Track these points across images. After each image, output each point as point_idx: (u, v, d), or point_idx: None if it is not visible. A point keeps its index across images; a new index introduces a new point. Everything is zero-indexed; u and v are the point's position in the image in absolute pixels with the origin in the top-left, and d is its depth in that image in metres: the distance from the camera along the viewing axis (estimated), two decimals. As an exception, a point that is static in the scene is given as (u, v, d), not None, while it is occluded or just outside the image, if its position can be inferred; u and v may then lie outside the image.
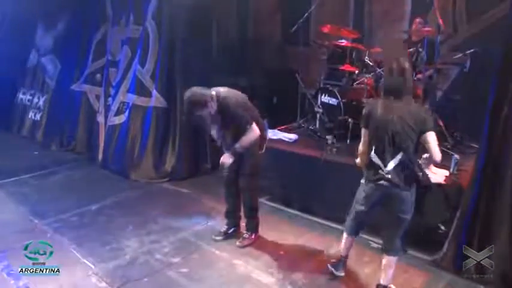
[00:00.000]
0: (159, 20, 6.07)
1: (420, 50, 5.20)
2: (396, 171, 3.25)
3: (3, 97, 8.21)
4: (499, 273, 3.76)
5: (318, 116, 5.72)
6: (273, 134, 5.68)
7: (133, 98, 6.22)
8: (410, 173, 3.27)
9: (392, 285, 3.59)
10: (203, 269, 4.07)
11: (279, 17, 8.03)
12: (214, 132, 4.13)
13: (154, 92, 6.03)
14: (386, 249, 3.50)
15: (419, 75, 5.13)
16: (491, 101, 3.77)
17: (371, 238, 4.47)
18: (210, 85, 4.08)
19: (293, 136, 5.65)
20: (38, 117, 8.02)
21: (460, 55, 4.89)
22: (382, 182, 3.30)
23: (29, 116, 8.18)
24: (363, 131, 3.48)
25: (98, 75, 7.15)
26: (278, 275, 3.98)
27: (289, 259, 4.25)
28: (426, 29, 5.25)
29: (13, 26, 7.92)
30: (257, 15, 8.12)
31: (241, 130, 3.96)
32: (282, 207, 5.33)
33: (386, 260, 3.50)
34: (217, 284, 3.85)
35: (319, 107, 5.66)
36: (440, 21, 4.82)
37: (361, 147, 3.53)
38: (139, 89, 6.18)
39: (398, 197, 3.29)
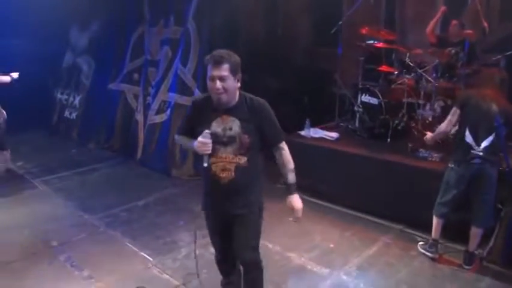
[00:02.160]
0: (199, 20, 6.21)
1: (459, 51, 5.32)
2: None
3: (42, 96, 8.36)
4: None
5: (357, 115, 5.84)
6: (314, 132, 5.82)
7: (175, 97, 6.37)
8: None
9: (476, 251, 4.10)
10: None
11: (310, 18, 8.15)
12: (206, 133, 2.66)
13: (197, 91, 6.17)
14: (474, 222, 4.00)
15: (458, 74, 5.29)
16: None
17: (417, 233, 4.64)
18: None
19: (334, 134, 5.77)
20: (73, 116, 8.19)
21: (499, 56, 5.01)
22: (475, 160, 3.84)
23: (65, 115, 8.35)
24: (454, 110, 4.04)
25: (136, 75, 7.30)
26: (332, 266, 4.13)
27: (339, 252, 4.39)
28: (467, 31, 5.36)
29: (48, 26, 8.07)
30: (287, 16, 8.24)
31: (257, 147, 2.79)
32: (325, 203, 5.44)
33: (473, 230, 4.00)
34: (276, 274, 3.97)
35: (359, 106, 5.79)
36: (486, 24, 4.95)
37: (445, 125, 4.13)
38: (181, 87, 6.33)
39: (488, 173, 3.84)
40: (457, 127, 4.07)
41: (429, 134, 4.40)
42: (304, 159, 5.46)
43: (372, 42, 6.22)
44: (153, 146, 6.62)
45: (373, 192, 5.02)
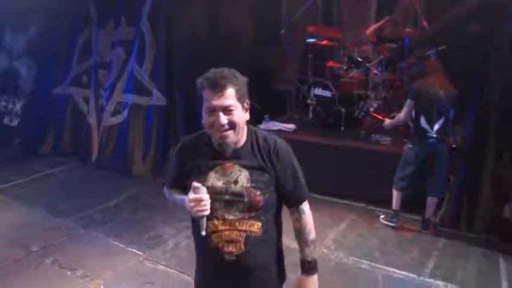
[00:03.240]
0: (154, 20, 6.33)
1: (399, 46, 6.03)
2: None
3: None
4: (486, 224, 4.63)
5: (311, 107, 6.34)
6: (272, 125, 6.22)
7: (132, 98, 6.44)
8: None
9: (431, 218, 4.73)
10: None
11: (251, 17, 8.49)
12: (199, 187, 1.88)
13: (155, 91, 6.30)
14: (430, 193, 4.65)
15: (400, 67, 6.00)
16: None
17: (377, 208, 5.22)
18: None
19: (292, 126, 6.22)
20: (15, 122, 7.85)
21: (432, 51, 5.74)
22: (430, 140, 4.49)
23: (4, 122, 7.97)
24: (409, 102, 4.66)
25: (85, 77, 7.21)
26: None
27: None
28: (407, 30, 6.06)
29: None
30: (229, 16, 8.51)
31: (274, 206, 2.06)
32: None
33: (429, 200, 4.66)
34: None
35: (312, 99, 6.28)
36: (425, 22, 5.67)
37: (403, 115, 4.76)
38: (138, 88, 6.41)
39: (441, 150, 4.49)
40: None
41: (388, 121, 5.03)
42: None
43: (313, 40, 6.77)
44: (111, 148, 6.63)
45: (334, 176, 5.51)
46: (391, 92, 6.08)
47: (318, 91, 6.19)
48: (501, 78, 4.60)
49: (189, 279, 3.89)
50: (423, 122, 4.51)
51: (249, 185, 1.95)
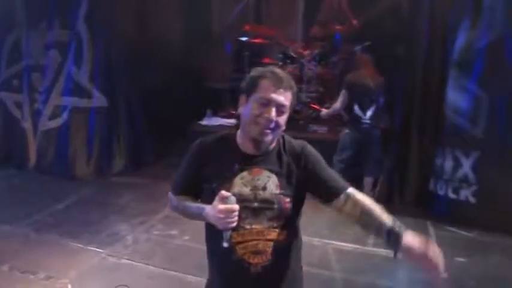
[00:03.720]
0: (91, 22, 6.33)
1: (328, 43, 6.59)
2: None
3: None
4: (415, 197, 5.29)
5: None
6: (215, 121, 6.50)
7: (71, 101, 6.38)
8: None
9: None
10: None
11: (182, 17, 8.65)
12: (229, 197, 1.73)
13: (96, 93, 6.31)
14: (366, 173, 5.26)
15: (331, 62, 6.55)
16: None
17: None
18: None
19: (233, 121, 6.52)
20: None
21: (359, 46, 6.34)
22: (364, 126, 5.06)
23: None
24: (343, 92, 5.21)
25: (16, 81, 6.98)
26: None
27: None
28: (337, 27, 6.60)
29: None
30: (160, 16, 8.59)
31: (298, 213, 1.97)
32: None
33: (366, 180, 5.26)
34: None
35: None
36: (354, 21, 6.25)
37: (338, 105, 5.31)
38: (77, 90, 6.37)
39: (374, 134, 5.04)
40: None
41: (324, 111, 5.52)
42: None
43: (246, 38, 7.14)
44: (51, 152, 6.52)
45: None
46: (324, 85, 6.59)
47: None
48: (420, 68, 5.25)
49: (155, 270, 4.15)
50: (357, 109, 5.07)
51: (278, 191, 1.83)
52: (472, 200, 4.89)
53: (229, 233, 1.74)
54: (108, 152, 6.42)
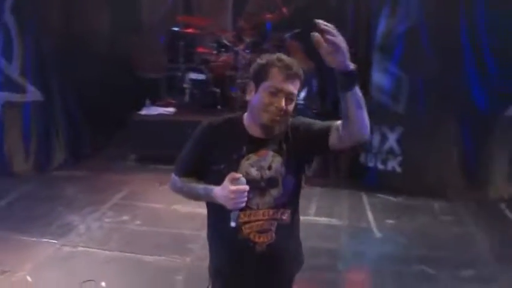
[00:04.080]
0: (19, 15, 6.14)
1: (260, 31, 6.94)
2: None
3: None
4: (349, 170, 5.82)
5: (187, 91, 6.86)
6: (154, 110, 6.62)
7: (3, 96, 6.19)
8: None
9: (307, 172, 5.68)
10: (156, 220, 4.96)
11: (109, 9, 8.55)
12: (240, 178, 1.76)
13: (30, 87, 6.17)
14: None
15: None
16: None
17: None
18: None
19: (171, 109, 6.69)
20: None
21: (289, 34, 6.73)
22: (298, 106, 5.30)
23: None
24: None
25: None
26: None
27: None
28: (269, 15, 6.93)
29: None
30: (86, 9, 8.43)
31: (299, 190, 2.03)
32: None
33: None
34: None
35: (188, 83, 6.81)
36: (284, 9, 6.62)
37: None
38: (9, 85, 6.17)
39: (307, 114, 5.18)
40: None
41: None
42: (150, 133, 6.33)
43: (177, 29, 7.31)
44: (-16, 149, 6.29)
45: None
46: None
47: (193, 75, 6.75)
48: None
49: (112, 254, 4.28)
50: None
51: (283, 169, 1.89)
52: (398, 169, 5.49)
53: (237, 213, 1.78)
54: (47, 147, 6.30)
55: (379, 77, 5.60)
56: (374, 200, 5.33)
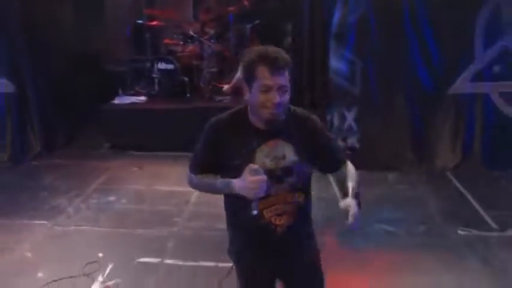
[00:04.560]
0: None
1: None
2: None
3: None
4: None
5: (156, 80, 7.19)
6: (126, 99, 6.92)
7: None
8: None
9: None
10: (140, 199, 5.34)
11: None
12: (256, 169, 1.86)
13: (2, 79, 6.33)
14: None
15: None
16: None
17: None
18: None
19: (142, 98, 7.02)
20: None
21: (250, 25, 7.23)
22: None
23: None
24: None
25: None
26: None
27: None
28: (230, 8, 7.37)
29: None
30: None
31: (311, 174, 2.13)
32: (149, 153, 6.61)
33: None
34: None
35: (157, 73, 7.14)
36: (245, 1, 7.09)
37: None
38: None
39: None
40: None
41: (226, 86, 6.30)
42: (123, 121, 6.66)
43: (142, 22, 7.61)
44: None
45: (187, 133, 6.54)
46: (223, 61, 7.37)
47: (162, 65, 7.09)
48: (306, 41, 6.31)
49: (104, 230, 4.64)
50: None
51: (296, 157, 1.98)
52: (356, 145, 6.09)
53: (257, 201, 1.90)
54: (22, 138, 6.49)
55: (336, 63, 6.16)
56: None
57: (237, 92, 6.75)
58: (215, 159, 2.01)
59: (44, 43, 6.94)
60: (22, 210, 5.05)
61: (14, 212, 5.02)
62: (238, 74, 6.04)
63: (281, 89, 1.85)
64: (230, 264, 2.47)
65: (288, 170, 1.98)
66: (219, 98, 6.89)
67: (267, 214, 2.00)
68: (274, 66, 1.83)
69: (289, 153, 1.98)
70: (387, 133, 6.03)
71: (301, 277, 2.20)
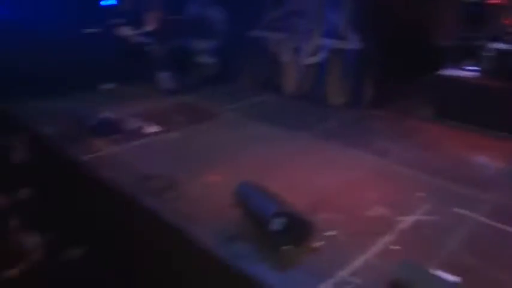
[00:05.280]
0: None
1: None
2: None
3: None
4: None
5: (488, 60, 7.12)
6: (456, 72, 7.16)
7: (329, 42, 7.75)
8: None
9: None
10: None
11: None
12: None
13: (352, 36, 7.49)
14: None
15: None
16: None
17: None
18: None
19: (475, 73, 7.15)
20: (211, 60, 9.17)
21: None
22: None
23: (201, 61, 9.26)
24: None
25: (277, 23, 8.39)
26: None
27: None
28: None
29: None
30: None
31: None
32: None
33: None
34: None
35: (490, 52, 7.08)
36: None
37: None
38: (334, 34, 7.66)
39: None
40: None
41: None
42: (451, 92, 6.92)
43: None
44: (308, 83, 7.98)
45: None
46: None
47: (497, 45, 6.98)
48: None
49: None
50: None
51: None
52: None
53: None
54: (357, 87, 7.63)
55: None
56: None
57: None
58: None
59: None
60: (356, 145, 6.06)
61: (351, 143, 6.13)
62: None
63: None
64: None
65: None
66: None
67: None
68: None
69: None
70: None
71: None
